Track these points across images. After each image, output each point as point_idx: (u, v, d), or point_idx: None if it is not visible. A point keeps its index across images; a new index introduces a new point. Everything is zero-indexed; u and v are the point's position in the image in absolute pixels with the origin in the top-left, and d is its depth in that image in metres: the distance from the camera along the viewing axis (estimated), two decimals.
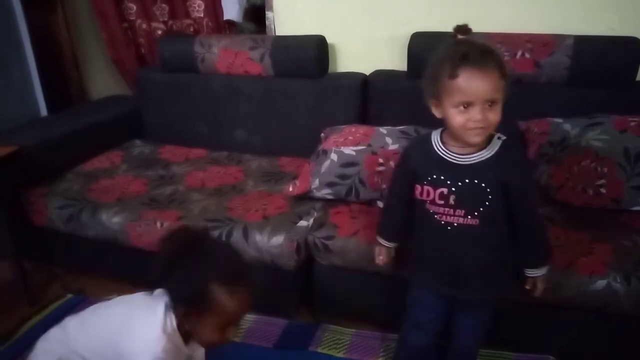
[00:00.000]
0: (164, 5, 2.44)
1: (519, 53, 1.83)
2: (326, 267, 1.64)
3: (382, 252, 1.37)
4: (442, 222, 1.15)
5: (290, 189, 1.77)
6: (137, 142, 2.37)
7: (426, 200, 1.16)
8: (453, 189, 1.12)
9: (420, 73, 2.02)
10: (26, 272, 1.91)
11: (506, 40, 1.86)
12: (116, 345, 1.04)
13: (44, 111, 2.52)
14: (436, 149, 1.15)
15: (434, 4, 2.03)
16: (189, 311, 1.02)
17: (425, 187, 1.15)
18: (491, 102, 1.03)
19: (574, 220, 1.56)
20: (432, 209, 1.16)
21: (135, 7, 2.46)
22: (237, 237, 1.63)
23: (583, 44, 1.79)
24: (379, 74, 2.10)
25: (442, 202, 1.13)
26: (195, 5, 2.40)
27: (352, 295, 1.69)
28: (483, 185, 1.10)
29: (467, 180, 1.10)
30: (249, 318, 1.77)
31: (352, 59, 2.23)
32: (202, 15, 2.41)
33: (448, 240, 1.17)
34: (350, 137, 1.75)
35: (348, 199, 1.71)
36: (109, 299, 1.18)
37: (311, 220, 1.67)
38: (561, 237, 1.47)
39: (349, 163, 1.69)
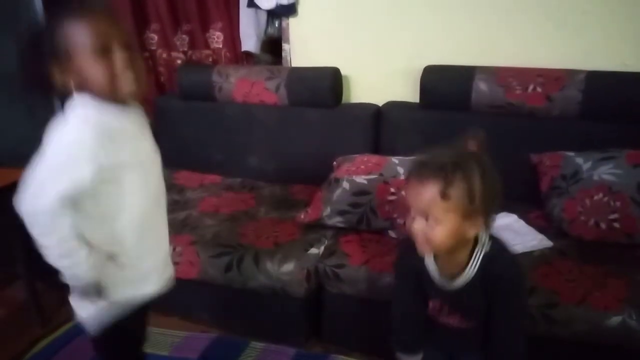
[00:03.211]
0: (184, 36, 2.52)
1: (531, 87, 1.85)
2: (336, 296, 1.63)
3: None
4: (440, 322, 1.14)
5: (302, 216, 1.78)
6: None
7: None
8: (446, 302, 1.11)
9: (432, 105, 2.07)
10: (38, 293, 1.93)
11: (518, 74, 1.88)
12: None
13: None
14: (426, 263, 1.11)
15: (447, 37, 2.07)
16: (61, 67, 0.94)
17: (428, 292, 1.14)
18: (428, 219, 0.97)
19: (587, 254, 1.54)
20: (428, 309, 1.15)
21: (156, 37, 2.54)
22: (248, 263, 1.63)
23: (595, 79, 1.81)
24: (392, 105, 2.13)
25: (436, 309, 1.13)
26: (215, 37, 2.47)
27: (361, 325, 1.67)
28: (472, 298, 1.07)
29: (456, 298, 1.08)
30: (257, 346, 1.76)
31: (365, 90, 2.27)
32: (220, 46, 2.48)
33: (446, 335, 1.16)
34: (362, 166, 1.77)
35: (359, 227, 1.72)
36: None
37: (322, 248, 1.68)
38: (574, 270, 1.46)
39: (361, 192, 1.70)
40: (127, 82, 0.97)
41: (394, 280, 1.27)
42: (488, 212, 1.00)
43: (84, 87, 0.97)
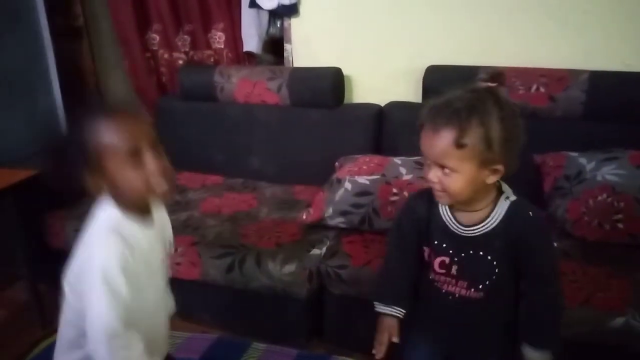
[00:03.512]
0: (185, 36, 2.52)
1: (534, 87, 1.84)
2: (338, 297, 1.63)
3: (390, 326, 1.09)
4: (443, 291, 1.05)
5: (304, 216, 1.78)
6: None
7: (426, 262, 1.07)
8: (455, 259, 1.02)
9: None
10: (41, 294, 1.92)
11: (521, 75, 1.88)
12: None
13: None
14: (441, 212, 1.03)
15: (449, 37, 2.07)
16: (91, 172, 0.91)
17: (426, 251, 1.06)
18: (444, 168, 0.93)
19: (591, 255, 1.53)
20: (432, 275, 1.06)
21: (158, 38, 2.54)
22: (249, 264, 1.63)
23: (598, 79, 1.80)
24: (394, 105, 2.13)
25: (442, 271, 1.04)
26: (216, 37, 2.47)
27: (363, 326, 1.66)
28: (489, 257, 0.99)
29: (471, 252, 1.00)
30: (259, 347, 1.75)
31: (367, 90, 2.27)
32: (222, 46, 2.48)
33: (448, 311, 1.07)
34: (365, 167, 1.77)
35: (361, 228, 1.71)
36: None
37: (324, 249, 1.67)
38: (577, 271, 1.45)
39: (363, 192, 1.70)
40: (159, 182, 0.95)
41: (392, 227, 1.17)
42: (509, 157, 0.93)
43: (116, 190, 0.95)
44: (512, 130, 0.91)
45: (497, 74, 0.96)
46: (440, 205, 1.03)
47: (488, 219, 0.98)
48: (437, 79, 2.00)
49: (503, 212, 0.98)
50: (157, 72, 2.62)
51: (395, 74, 2.19)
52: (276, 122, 2.23)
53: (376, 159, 1.83)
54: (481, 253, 0.99)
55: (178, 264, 1.71)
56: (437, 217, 1.03)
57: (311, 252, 1.65)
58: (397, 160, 1.78)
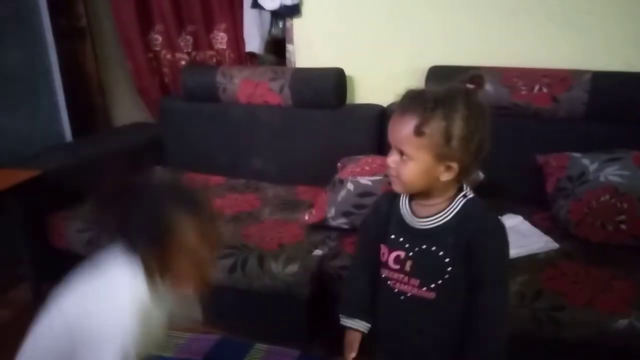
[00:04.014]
0: (188, 37, 2.52)
1: (536, 87, 1.84)
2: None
3: (351, 341, 1.07)
4: (395, 290, 1.01)
5: (306, 217, 1.78)
6: (158, 168, 2.41)
7: (381, 262, 1.04)
8: (410, 253, 0.99)
9: None
10: (44, 294, 1.93)
11: (523, 75, 1.87)
12: (78, 335, 0.94)
13: (69, 136, 2.60)
14: (401, 204, 1.03)
15: (452, 38, 2.07)
16: (155, 251, 0.92)
17: (383, 248, 1.03)
18: (402, 154, 0.93)
19: (594, 256, 1.53)
20: (385, 273, 1.03)
21: (160, 38, 2.55)
22: (252, 264, 1.63)
23: (601, 79, 1.80)
24: None
25: (397, 267, 1.01)
26: (219, 38, 2.47)
27: None
28: (441, 254, 0.96)
29: (424, 247, 0.98)
30: (262, 348, 1.75)
31: (370, 91, 2.26)
32: (224, 47, 2.48)
33: (400, 312, 1.02)
34: (367, 167, 1.77)
35: None
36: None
37: (326, 250, 1.67)
38: (580, 273, 1.45)
39: (365, 193, 1.70)
40: (208, 284, 0.99)
41: (359, 229, 1.18)
42: (466, 157, 0.92)
43: (165, 274, 0.96)
44: (474, 131, 0.91)
45: (477, 76, 0.96)
46: (401, 199, 1.04)
47: (442, 213, 0.98)
48: (439, 79, 1.99)
49: (458, 208, 0.97)
50: (159, 73, 2.63)
51: (397, 74, 2.18)
52: (278, 122, 2.23)
53: (378, 159, 1.83)
54: (434, 248, 0.97)
55: None
56: (397, 209, 1.04)
57: (313, 253, 1.65)
58: None
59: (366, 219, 1.16)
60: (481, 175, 1.79)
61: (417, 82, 2.08)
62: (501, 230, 0.98)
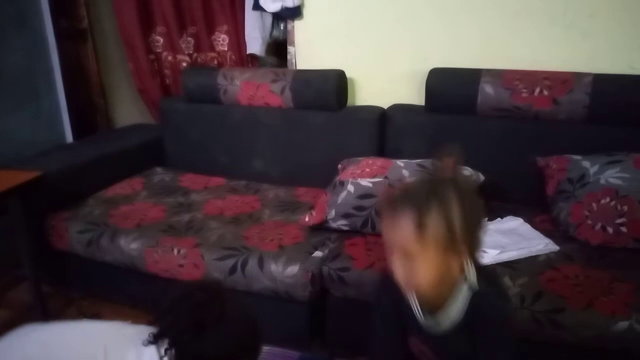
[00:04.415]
0: (189, 38, 2.53)
1: (537, 90, 1.84)
2: (340, 300, 1.63)
3: None
4: None
5: (307, 219, 1.78)
6: (158, 169, 2.42)
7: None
8: (429, 344, 1.03)
9: (438, 108, 2.07)
10: (44, 295, 1.93)
11: (524, 77, 1.87)
12: None
13: (69, 137, 2.60)
14: (408, 299, 1.00)
15: (453, 40, 2.07)
16: None
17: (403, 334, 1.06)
18: (407, 255, 0.89)
19: (594, 258, 1.53)
20: (409, 345, 1.06)
21: (162, 40, 2.55)
22: (252, 266, 1.63)
23: (602, 82, 1.80)
24: (397, 108, 2.13)
25: (417, 348, 1.05)
26: (220, 40, 2.48)
27: (365, 329, 1.66)
28: (459, 348, 0.98)
29: (441, 342, 1.00)
30: (262, 349, 1.75)
31: (370, 93, 2.27)
32: (226, 49, 2.49)
33: None
34: (368, 169, 1.77)
35: (364, 230, 1.71)
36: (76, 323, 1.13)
37: (326, 251, 1.67)
38: (580, 275, 1.45)
39: (366, 195, 1.70)
40: None
41: (372, 316, 1.14)
42: (472, 241, 0.91)
43: None
44: (473, 212, 0.90)
45: (451, 153, 0.96)
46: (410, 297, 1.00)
47: (451, 308, 0.96)
48: (440, 81, 2.00)
49: (466, 305, 0.95)
50: (160, 74, 2.63)
51: (398, 76, 2.19)
52: (279, 124, 2.23)
53: (379, 161, 1.83)
54: (451, 343, 0.99)
55: (181, 265, 1.71)
56: (407, 305, 1.01)
57: (313, 255, 1.65)
58: (400, 162, 1.78)
59: (377, 306, 1.12)
60: (481, 177, 1.80)
61: (418, 84, 2.09)
62: (508, 319, 0.99)
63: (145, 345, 1.01)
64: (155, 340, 1.02)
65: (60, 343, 1.06)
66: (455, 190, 0.88)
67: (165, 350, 1.01)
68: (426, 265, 0.88)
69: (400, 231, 0.89)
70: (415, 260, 0.88)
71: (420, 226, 0.86)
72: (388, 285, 1.00)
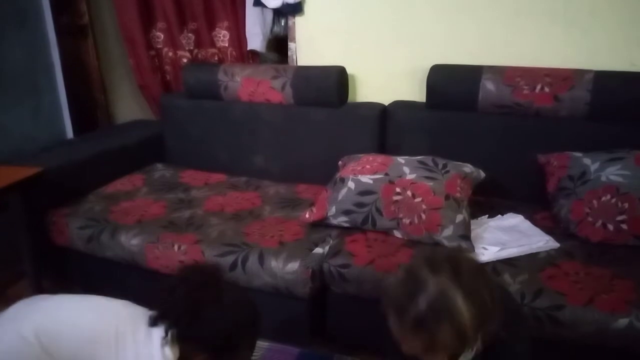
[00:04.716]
0: (190, 34, 2.52)
1: (538, 87, 1.84)
2: (341, 296, 1.63)
3: None
4: None
5: (307, 215, 1.78)
6: (159, 165, 2.42)
7: None
8: None
9: (438, 104, 2.07)
10: (45, 291, 1.93)
11: (525, 74, 1.87)
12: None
13: (70, 134, 2.60)
14: None
15: (454, 37, 2.06)
16: (211, 356, 1.04)
17: None
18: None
19: (594, 255, 1.53)
20: None
21: (162, 36, 2.55)
22: (252, 262, 1.63)
23: (603, 79, 1.79)
24: (398, 105, 2.12)
25: None
26: (220, 36, 2.48)
27: (366, 326, 1.66)
28: None
29: None
30: (262, 345, 1.75)
31: (371, 89, 2.26)
32: (226, 45, 2.48)
33: None
34: (368, 166, 1.77)
35: (364, 227, 1.71)
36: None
37: (327, 248, 1.67)
38: (581, 272, 1.45)
39: (366, 191, 1.70)
40: None
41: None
42: (486, 328, 0.88)
43: None
44: (483, 306, 0.87)
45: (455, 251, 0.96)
46: None
47: None
48: (441, 78, 2.00)
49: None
50: (161, 70, 2.63)
51: (399, 73, 2.18)
52: (280, 120, 2.23)
53: (380, 158, 1.83)
54: None
55: (181, 261, 1.71)
56: None
57: (314, 251, 1.65)
58: (401, 159, 1.78)
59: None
60: (482, 174, 1.80)
61: (419, 80, 2.09)
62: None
63: (150, 327, 1.03)
64: (155, 322, 1.03)
65: (70, 318, 1.06)
66: (459, 290, 0.85)
67: (166, 331, 1.03)
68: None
69: (413, 350, 0.89)
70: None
71: (431, 349, 0.87)
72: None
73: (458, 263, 0.90)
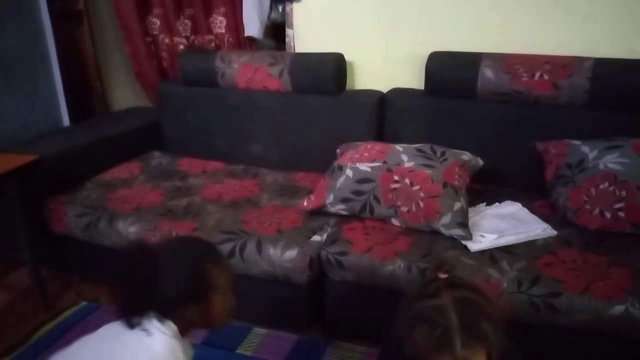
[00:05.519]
0: (186, 21, 2.49)
1: (537, 74, 1.83)
2: (338, 284, 1.63)
3: None
4: None
5: (305, 203, 1.78)
6: (156, 153, 2.41)
7: None
8: None
9: (437, 92, 2.06)
10: (43, 279, 1.94)
11: (524, 62, 1.86)
12: None
13: (66, 121, 2.58)
14: None
15: (453, 24, 2.05)
16: (195, 304, 1.03)
17: None
18: None
19: (592, 243, 1.53)
20: None
21: (158, 22, 2.52)
22: (250, 250, 1.63)
23: (603, 66, 1.78)
24: (396, 92, 2.11)
25: None
26: (217, 22, 2.45)
27: (363, 313, 1.67)
28: None
29: None
30: (260, 332, 1.76)
31: (370, 76, 2.25)
32: (223, 31, 2.45)
33: None
34: (366, 154, 1.76)
35: (362, 215, 1.71)
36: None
37: (325, 236, 1.68)
38: (578, 260, 1.45)
39: (364, 179, 1.69)
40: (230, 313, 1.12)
41: None
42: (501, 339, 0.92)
43: (206, 320, 1.08)
44: (499, 320, 0.92)
45: (443, 263, 0.99)
46: None
47: None
48: (439, 65, 1.98)
49: None
50: (157, 57, 2.60)
51: (397, 60, 2.17)
52: (277, 108, 2.22)
53: (378, 145, 1.82)
54: None
55: None
56: None
57: (312, 239, 1.65)
58: (399, 147, 1.77)
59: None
60: (480, 161, 1.79)
61: (417, 68, 2.08)
62: None
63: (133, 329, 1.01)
64: (131, 323, 1.01)
65: None
66: (485, 310, 0.91)
67: (145, 320, 1.00)
68: None
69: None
70: None
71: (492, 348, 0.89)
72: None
73: (475, 290, 0.96)
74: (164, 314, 1.02)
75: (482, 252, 1.50)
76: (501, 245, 1.53)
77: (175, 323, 1.02)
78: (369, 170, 1.70)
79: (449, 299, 0.92)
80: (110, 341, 1.03)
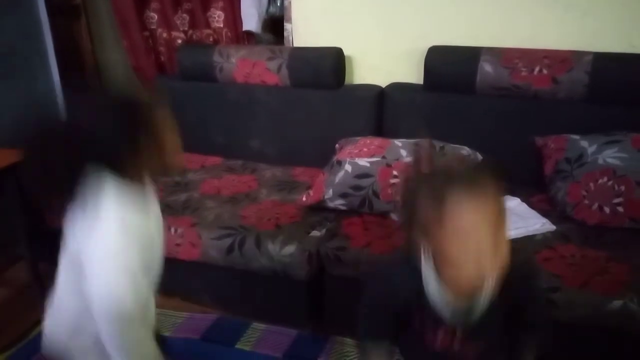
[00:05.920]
0: (184, 15, 2.48)
1: (537, 69, 1.82)
2: (337, 279, 1.63)
3: None
4: (450, 355, 0.96)
5: (304, 198, 1.78)
6: None
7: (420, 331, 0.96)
8: (456, 336, 0.94)
9: (436, 86, 2.05)
10: (41, 273, 1.93)
11: (524, 56, 1.85)
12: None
13: (64, 116, 2.57)
14: (428, 294, 0.91)
15: (452, 18, 2.04)
16: (133, 153, 0.96)
17: (417, 321, 0.96)
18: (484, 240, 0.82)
19: (590, 238, 1.53)
20: (427, 340, 0.97)
21: (156, 17, 2.51)
22: (249, 245, 1.63)
23: (602, 60, 1.78)
24: (395, 87, 2.11)
25: (445, 341, 0.95)
26: (215, 16, 2.44)
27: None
28: (490, 330, 0.93)
29: (472, 329, 0.92)
30: (259, 327, 1.77)
31: (368, 71, 2.24)
32: (221, 25, 2.45)
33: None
34: (365, 149, 1.76)
35: (361, 210, 1.71)
36: None
37: (324, 231, 1.67)
38: (576, 255, 1.45)
39: (363, 174, 1.69)
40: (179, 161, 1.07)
41: (364, 307, 1.12)
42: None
43: (161, 157, 1.01)
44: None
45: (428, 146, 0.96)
46: (433, 292, 0.90)
47: (486, 295, 0.87)
48: (438, 60, 1.98)
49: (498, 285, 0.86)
50: (155, 52, 2.59)
51: (397, 54, 2.16)
52: (276, 103, 2.21)
53: (377, 140, 1.82)
54: (483, 327, 0.91)
55: (178, 244, 1.71)
56: (427, 303, 0.91)
57: (311, 234, 1.65)
58: (398, 142, 1.77)
59: (376, 306, 1.09)
60: (479, 156, 1.79)
61: (416, 62, 2.07)
62: (542, 290, 1.04)
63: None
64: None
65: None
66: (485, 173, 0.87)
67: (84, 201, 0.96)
68: (503, 244, 0.81)
69: (484, 207, 0.80)
70: (493, 241, 0.79)
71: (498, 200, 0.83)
72: (401, 287, 0.95)
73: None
74: (108, 169, 0.95)
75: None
76: None
77: (125, 177, 0.96)
78: (368, 165, 1.70)
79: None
80: (73, 255, 1.01)
